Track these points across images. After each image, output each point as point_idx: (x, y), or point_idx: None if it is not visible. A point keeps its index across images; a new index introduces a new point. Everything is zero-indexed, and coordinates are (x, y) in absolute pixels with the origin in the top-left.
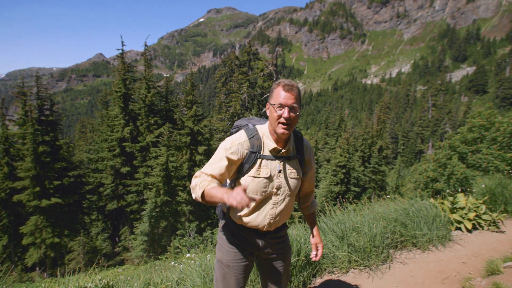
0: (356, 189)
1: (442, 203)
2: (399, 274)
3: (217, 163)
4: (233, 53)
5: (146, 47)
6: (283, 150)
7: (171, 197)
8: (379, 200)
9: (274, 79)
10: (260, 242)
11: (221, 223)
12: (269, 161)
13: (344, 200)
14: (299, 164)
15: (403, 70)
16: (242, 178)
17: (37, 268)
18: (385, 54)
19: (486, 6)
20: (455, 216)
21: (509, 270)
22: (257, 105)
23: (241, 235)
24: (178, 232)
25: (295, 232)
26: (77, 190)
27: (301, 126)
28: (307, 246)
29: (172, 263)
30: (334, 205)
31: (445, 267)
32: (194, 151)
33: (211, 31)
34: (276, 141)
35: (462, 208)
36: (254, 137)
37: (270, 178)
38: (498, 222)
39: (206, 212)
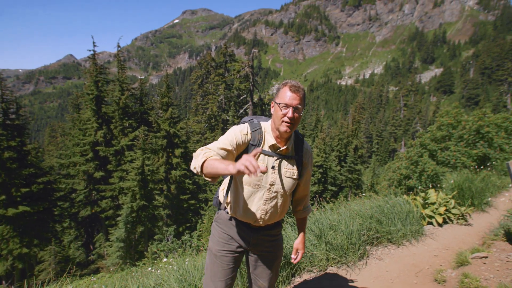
0: (333, 188)
1: (415, 199)
2: (376, 269)
3: (224, 143)
4: (209, 54)
5: (119, 48)
6: (282, 148)
7: (148, 201)
8: (355, 199)
9: (251, 80)
10: (252, 237)
11: (216, 213)
12: (266, 156)
13: (321, 199)
14: (296, 165)
15: (376, 71)
16: None
17: (4, 282)
18: (358, 56)
19: (451, 11)
20: (427, 211)
21: (476, 260)
22: (234, 107)
23: (233, 227)
24: (155, 237)
25: None
26: (47, 197)
27: None
28: (285, 246)
29: (149, 268)
30: (312, 204)
31: (419, 260)
32: (170, 154)
33: (187, 32)
34: (277, 139)
35: (433, 203)
36: (256, 131)
37: (264, 173)
38: (466, 216)
39: (184, 216)
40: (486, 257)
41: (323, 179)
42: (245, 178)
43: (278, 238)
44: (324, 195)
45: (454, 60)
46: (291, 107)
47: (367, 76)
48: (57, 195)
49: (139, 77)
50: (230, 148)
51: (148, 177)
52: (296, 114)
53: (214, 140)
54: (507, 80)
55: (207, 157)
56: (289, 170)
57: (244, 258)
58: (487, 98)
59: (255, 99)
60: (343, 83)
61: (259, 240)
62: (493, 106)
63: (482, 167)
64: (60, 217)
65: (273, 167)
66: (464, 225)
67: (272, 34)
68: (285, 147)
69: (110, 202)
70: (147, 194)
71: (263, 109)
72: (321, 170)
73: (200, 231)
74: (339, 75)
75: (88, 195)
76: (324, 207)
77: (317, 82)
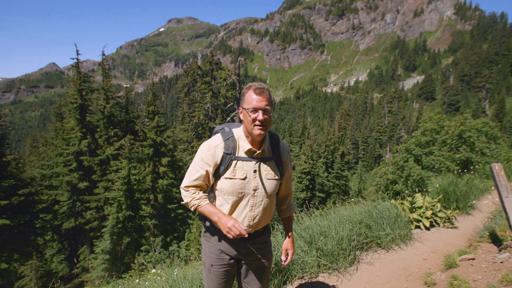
0: (321, 194)
1: (402, 203)
2: (366, 274)
3: (198, 173)
4: (195, 62)
5: (104, 57)
6: (258, 151)
7: (134, 211)
8: (343, 204)
9: (237, 88)
10: (242, 247)
11: (204, 227)
12: (244, 162)
13: (310, 205)
14: (276, 165)
15: (360, 78)
16: (218, 181)
17: None
18: (343, 64)
19: (430, 20)
20: (414, 215)
21: (464, 262)
22: (221, 115)
23: (222, 241)
24: (142, 248)
25: None
26: (29, 210)
27: None
28: (277, 253)
29: (137, 280)
30: (301, 211)
31: (408, 264)
32: (157, 163)
33: (172, 40)
34: (251, 143)
35: (420, 207)
36: (229, 139)
37: (246, 179)
38: (452, 219)
39: (172, 226)
40: (473, 259)
41: (311, 186)
42: (227, 188)
43: (268, 245)
44: (312, 202)
45: (434, 67)
46: (260, 110)
47: (352, 83)
48: (39, 207)
49: (124, 85)
50: (202, 172)
51: (135, 187)
52: (266, 116)
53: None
54: (485, 87)
55: (195, 206)
56: (270, 172)
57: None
58: (467, 104)
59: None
60: (329, 90)
61: (250, 249)
62: (473, 112)
63: (465, 170)
64: (42, 229)
65: (255, 171)
66: (451, 228)
67: (258, 43)
68: (261, 150)
69: (95, 213)
70: (134, 204)
71: None
72: (309, 177)
73: (188, 240)
74: (325, 82)
75: (72, 206)
76: (313, 213)
77: (303, 90)
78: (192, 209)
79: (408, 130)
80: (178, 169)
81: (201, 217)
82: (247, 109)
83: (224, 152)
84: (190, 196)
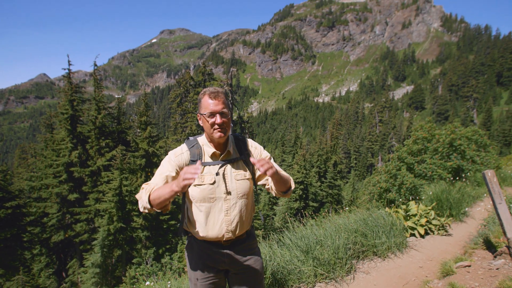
0: (315, 204)
1: (397, 211)
2: (363, 283)
3: (161, 175)
4: (187, 73)
5: (96, 67)
6: (223, 154)
7: (126, 223)
8: (338, 213)
9: (230, 98)
10: (226, 257)
11: (186, 241)
12: (211, 166)
13: (305, 215)
14: (245, 164)
15: (351, 88)
16: (189, 190)
17: None
18: (334, 74)
19: (418, 32)
20: (409, 223)
21: (461, 270)
22: None
23: (205, 252)
24: (134, 261)
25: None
26: (16, 223)
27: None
28: (273, 263)
29: None
30: (294, 221)
31: (405, 272)
32: (149, 174)
33: (165, 51)
34: (215, 147)
35: (415, 215)
36: (194, 147)
37: (215, 183)
38: (446, 226)
39: (164, 237)
40: (469, 266)
41: (304, 196)
42: (197, 195)
43: (254, 252)
44: (305, 211)
45: (423, 77)
46: (217, 114)
47: (343, 93)
48: (27, 220)
49: (116, 96)
50: (167, 173)
51: (126, 198)
52: (224, 119)
53: None
54: (472, 96)
55: (150, 191)
56: (239, 172)
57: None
58: (455, 113)
59: (234, 117)
60: (320, 100)
61: (234, 257)
62: (462, 120)
63: (457, 178)
64: (29, 243)
65: (217, 174)
66: (445, 235)
67: (250, 54)
68: (226, 151)
69: (85, 225)
70: (125, 215)
71: (242, 127)
72: (302, 187)
73: (181, 252)
74: (316, 92)
75: (61, 218)
76: (307, 222)
77: (295, 100)
78: (145, 197)
79: (399, 139)
80: None
81: (181, 230)
82: (204, 114)
83: (190, 160)
84: (145, 187)
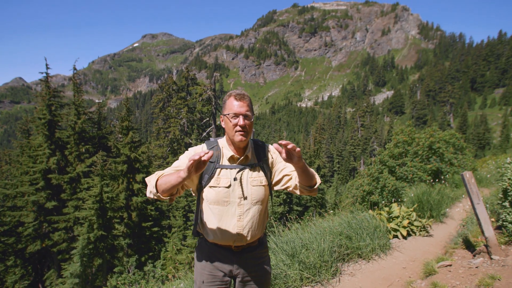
0: (299, 208)
1: (380, 213)
2: (349, 286)
3: (177, 168)
4: (170, 78)
5: (76, 71)
6: (241, 158)
7: (107, 231)
8: (322, 216)
9: (213, 103)
10: (235, 262)
11: (197, 243)
12: (228, 170)
13: (290, 219)
14: (263, 171)
15: (333, 93)
16: (204, 191)
17: None
18: (316, 79)
19: (397, 39)
20: (392, 225)
21: (442, 269)
22: (197, 130)
23: (214, 255)
24: (115, 270)
25: None
26: None
27: None
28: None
29: None
30: (279, 225)
31: (389, 273)
32: (131, 180)
33: (147, 56)
34: (235, 150)
35: (397, 217)
36: (213, 148)
37: (230, 187)
38: (427, 227)
39: (147, 245)
40: (450, 265)
41: (288, 200)
42: (212, 197)
43: (264, 261)
44: (290, 216)
45: (402, 83)
46: (240, 115)
47: (325, 98)
48: (1, 230)
49: (97, 101)
50: (183, 167)
51: (107, 205)
52: (247, 121)
53: None
54: (448, 101)
55: (159, 176)
56: (256, 178)
57: None
58: (433, 118)
59: (218, 122)
60: (303, 105)
61: (244, 264)
62: (439, 124)
63: (436, 180)
64: (3, 254)
65: (235, 179)
66: (426, 236)
67: (233, 59)
68: (244, 156)
69: (63, 234)
70: (106, 223)
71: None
72: (286, 191)
73: (164, 259)
74: (299, 97)
75: (38, 227)
76: (292, 226)
77: (278, 105)
78: (153, 180)
79: (380, 143)
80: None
81: (194, 231)
82: (228, 114)
83: (208, 161)
84: (157, 172)
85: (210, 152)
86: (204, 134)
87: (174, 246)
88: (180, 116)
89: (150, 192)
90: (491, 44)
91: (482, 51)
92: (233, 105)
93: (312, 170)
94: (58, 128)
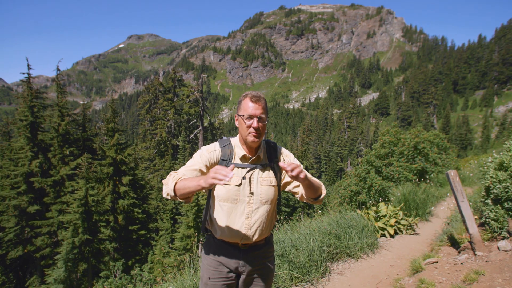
0: (287, 209)
1: (368, 213)
2: (338, 285)
3: (191, 167)
4: (157, 79)
5: (59, 72)
6: (253, 157)
7: (92, 235)
8: (311, 217)
9: (200, 105)
10: (242, 259)
11: (205, 239)
12: (240, 168)
13: (279, 219)
14: (274, 172)
15: (320, 95)
16: (216, 188)
17: None
18: (303, 81)
19: (382, 41)
20: (380, 224)
21: (429, 266)
22: (184, 132)
23: (221, 252)
24: (101, 274)
25: None
26: None
27: None
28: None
29: None
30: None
31: (377, 272)
32: (117, 182)
33: (133, 57)
34: (247, 150)
35: (384, 216)
36: (226, 147)
37: (240, 186)
38: (413, 226)
39: (134, 248)
40: (436, 262)
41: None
42: (223, 194)
43: (269, 260)
44: (279, 216)
45: (388, 85)
46: (255, 117)
47: (312, 100)
48: None
49: (81, 102)
50: (197, 167)
51: (93, 208)
52: (260, 124)
53: (163, 166)
54: (432, 103)
55: (177, 180)
56: (266, 178)
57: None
58: (417, 119)
59: (205, 124)
60: (291, 106)
61: (250, 262)
62: (423, 125)
63: (422, 179)
64: None
65: (244, 178)
66: (413, 234)
67: (220, 60)
68: (256, 156)
69: (47, 239)
70: (91, 227)
71: (213, 133)
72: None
73: (151, 263)
74: (287, 99)
75: (19, 233)
76: (283, 225)
77: None
78: (172, 183)
79: (366, 144)
80: (140, 188)
81: (202, 228)
82: (243, 116)
83: (220, 159)
84: (174, 174)
85: (231, 170)
86: (192, 135)
87: (162, 249)
88: (167, 118)
89: (168, 194)
90: (472, 48)
91: (463, 54)
92: (248, 107)
93: (318, 182)
94: (40, 130)
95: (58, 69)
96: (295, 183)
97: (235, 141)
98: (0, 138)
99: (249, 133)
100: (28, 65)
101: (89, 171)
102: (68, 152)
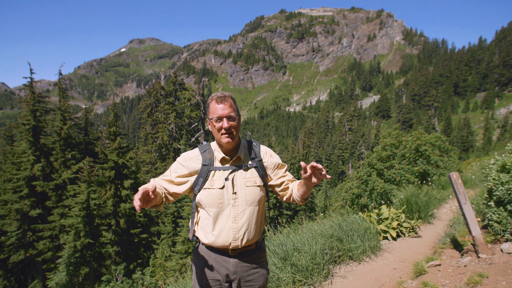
0: (289, 212)
1: (370, 215)
2: None
3: (164, 177)
4: (158, 83)
5: (61, 76)
6: (232, 159)
7: (94, 238)
8: (312, 220)
9: (202, 108)
10: (232, 266)
11: (194, 247)
12: (221, 171)
13: (281, 222)
14: (257, 172)
15: (321, 98)
16: (198, 194)
17: None
18: (304, 84)
19: (382, 44)
20: (382, 227)
21: (432, 269)
22: (185, 135)
23: (211, 260)
24: (103, 278)
25: None
26: None
27: None
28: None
29: None
30: (268, 230)
31: (380, 275)
32: (119, 186)
33: (134, 61)
34: (225, 152)
35: (387, 219)
36: (206, 151)
37: (224, 188)
38: (416, 228)
39: (135, 252)
40: (439, 265)
41: (278, 204)
42: (207, 199)
43: (262, 265)
44: (279, 220)
45: (388, 87)
46: (224, 118)
47: (313, 103)
48: None
49: (83, 106)
50: (168, 178)
51: (94, 212)
52: (231, 123)
53: (165, 169)
54: (433, 105)
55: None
56: (250, 178)
57: None
58: (418, 122)
59: (207, 127)
60: (292, 110)
61: (241, 269)
62: (424, 128)
63: (424, 182)
64: None
65: (226, 179)
66: (415, 237)
67: (221, 64)
68: (235, 157)
69: (48, 242)
70: (93, 230)
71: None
72: (275, 195)
73: (153, 267)
74: (288, 102)
75: (21, 236)
76: (284, 228)
77: (266, 109)
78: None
79: (368, 146)
80: None
81: (190, 235)
82: (212, 119)
83: (202, 164)
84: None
85: (137, 200)
86: (193, 139)
87: (164, 252)
88: (168, 122)
89: None
90: (472, 50)
91: (464, 56)
92: (215, 109)
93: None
94: (43, 134)
95: (60, 74)
96: (285, 184)
97: (214, 145)
98: (3, 142)
99: (222, 134)
100: (31, 70)
101: (91, 174)
102: (70, 156)
